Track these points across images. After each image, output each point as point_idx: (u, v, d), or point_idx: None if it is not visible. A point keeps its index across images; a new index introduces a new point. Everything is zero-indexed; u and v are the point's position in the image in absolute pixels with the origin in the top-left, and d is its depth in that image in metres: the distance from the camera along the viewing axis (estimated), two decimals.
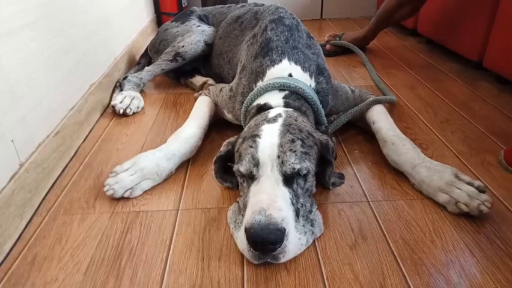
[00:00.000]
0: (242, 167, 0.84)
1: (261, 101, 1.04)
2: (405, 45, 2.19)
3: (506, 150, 1.06)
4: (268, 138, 0.85)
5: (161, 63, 1.61)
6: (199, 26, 1.66)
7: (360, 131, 1.27)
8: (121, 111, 1.42)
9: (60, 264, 0.80)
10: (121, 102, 1.45)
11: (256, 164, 0.83)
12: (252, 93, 1.07)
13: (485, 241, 0.82)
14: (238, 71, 1.24)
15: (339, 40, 2.09)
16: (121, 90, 1.55)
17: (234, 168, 0.89)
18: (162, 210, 0.95)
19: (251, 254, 0.76)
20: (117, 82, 1.61)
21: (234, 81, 1.24)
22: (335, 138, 1.19)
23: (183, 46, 1.57)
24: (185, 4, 2.65)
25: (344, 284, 0.73)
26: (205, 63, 1.67)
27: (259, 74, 1.11)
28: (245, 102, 1.08)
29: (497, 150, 1.14)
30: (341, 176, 1.03)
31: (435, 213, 0.90)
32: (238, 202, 0.89)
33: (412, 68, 1.83)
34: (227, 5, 1.76)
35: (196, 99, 1.38)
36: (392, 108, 1.40)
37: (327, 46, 2.05)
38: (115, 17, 1.76)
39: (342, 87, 1.25)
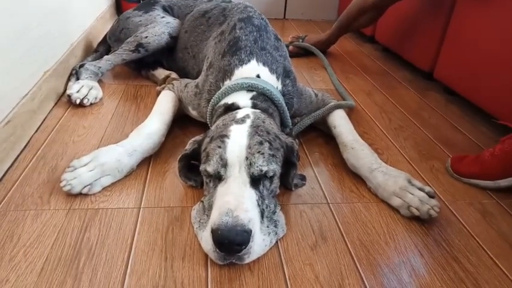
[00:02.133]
0: (210, 167, 0.84)
1: (228, 100, 1.04)
2: (363, 51, 2.29)
3: (453, 159, 1.15)
4: (237, 139, 0.86)
5: (122, 53, 1.55)
6: (163, 17, 1.61)
7: (320, 133, 1.31)
8: (78, 101, 1.36)
9: (12, 264, 0.76)
10: (77, 91, 1.38)
11: (224, 164, 0.83)
12: (219, 91, 1.06)
13: (433, 243, 0.88)
14: (204, 67, 1.23)
15: (302, 42, 2.13)
16: (78, 78, 1.48)
17: (200, 168, 0.88)
18: (123, 208, 0.93)
19: (216, 254, 0.76)
20: (73, 70, 1.53)
21: (200, 77, 1.23)
22: (297, 140, 1.23)
23: (146, 37, 1.53)
24: None
25: (305, 283, 0.76)
26: (168, 56, 1.63)
27: (227, 72, 1.11)
28: (212, 100, 1.08)
29: (444, 157, 1.23)
30: (303, 178, 1.06)
31: (389, 216, 0.96)
32: (202, 202, 0.89)
33: (369, 73, 1.92)
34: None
35: (158, 93, 1.35)
36: (351, 112, 1.46)
37: (290, 47, 2.09)
38: (72, 0, 1.67)
39: (306, 90, 1.28)
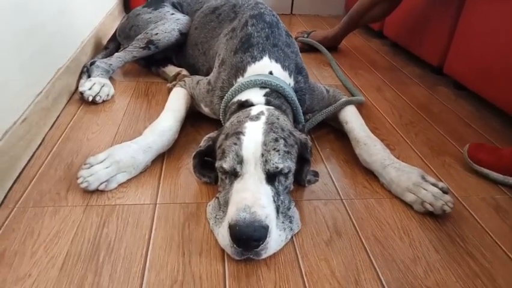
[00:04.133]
0: (226, 163, 0.85)
1: (242, 97, 1.05)
2: (372, 47, 2.28)
3: (471, 145, 1.14)
4: (252, 136, 0.86)
5: (133, 50, 1.56)
6: (173, 14, 1.62)
7: (331, 129, 1.31)
8: (90, 99, 1.37)
9: (34, 259, 0.77)
10: (89, 89, 1.39)
11: (240, 161, 0.84)
12: (232, 88, 1.07)
13: (447, 239, 0.89)
14: (216, 64, 1.24)
15: (307, 37, 2.13)
16: (89, 76, 1.49)
17: (216, 165, 0.89)
18: (139, 204, 0.94)
19: (234, 250, 0.77)
20: (84, 67, 1.54)
21: (212, 74, 1.23)
22: (309, 136, 1.23)
23: (157, 34, 1.53)
24: None
25: (321, 279, 0.77)
26: (178, 53, 1.63)
27: (240, 69, 1.11)
28: (225, 97, 1.08)
29: (456, 152, 1.23)
30: (316, 174, 1.07)
31: (403, 212, 0.96)
32: (217, 198, 0.90)
33: (378, 69, 1.91)
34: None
35: (169, 90, 1.36)
36: (361, 108, 1.46)
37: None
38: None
39: (318, 87, 1.28)
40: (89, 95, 1.37)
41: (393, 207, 0.98)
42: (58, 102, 1.31)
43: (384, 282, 0.77)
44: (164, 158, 1.12)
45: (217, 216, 0.86)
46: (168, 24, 1.55)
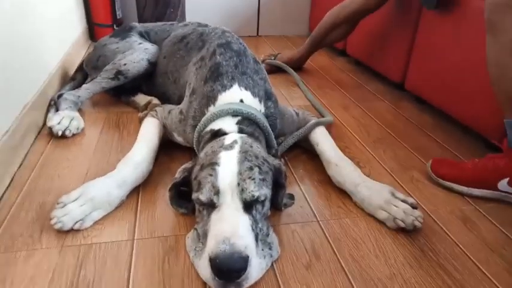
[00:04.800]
0: (203, 195, 0.85)
1: (214, 126, 1.06)
2: (336, 65, 2.36)
3: (434, 161, 1.21)
4: (227, 166, 0.88)
5: (101, 81, 1.55)
6: (141, 43, 1.62)
7: (303, 150, 1.35)
8: (60, 133, 1.35)
9: None
10: (58, 123, 1.37)
11: (217, 192, 0.85)
12: (205, 118, 1.09)
13: (420, 253, 0.93)
14: (187, 93, 1.25)
15: (274, 59, 2.19)
16: (57, 109, 1.46)
17: (193, 197, 0.90)
18: (116, 241, 0.93)
19: (216, 282, 0.78)
20: (51, 100, 1.52)
21: (184, 104, 1.25)
22: (283, 160, 1.26)
23: (125, 64, 1.53)
24: (120, 16, 2.57)
25: None
26: (148, 82, 1.64)
27: (211, 98, 1.13)
28: (198, 127, 1.10)
29: (422, 166, 1.29)
30: (291, 197, 1.09)
31: (377, 230, 1.00)
32: (196, 229, 0.90)
33: (344, 87, 1.99)
34: (169, 23, 1.75)
35: (141, 119, 1.36)
36: (330, 127, 1.51)
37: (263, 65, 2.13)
38: (47, 29, 1.66)
39: (288, 110, 1.32)
40: (59, 129, 1.35)
41: (368, 225, 1.02)
42: (26, 139, 1.28)
43: None
44: (139, 190, 1.11)
45: (197, 248, 0.86)
46: (136, 54, 1.56)
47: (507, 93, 1.01)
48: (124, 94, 1.66)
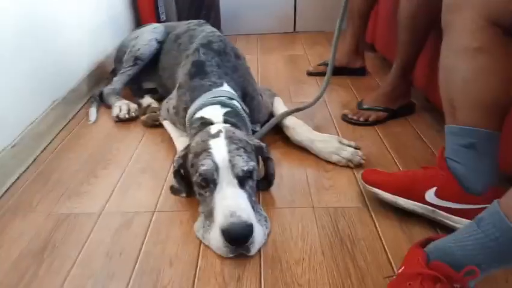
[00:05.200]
0: (204, 170, 1.01)
1: (204, 114, 1.23)
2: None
3: (366, 170, 1.17)
4: (218, 149, 1.05)
5: (125, 71, 1.79)
6: (147, 25, 1.84)
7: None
8: (127, 116, 1.66)
9: None
10: (120, 111, 1.67)
11: (216, 168, 1.02)
12: (194, 105, 1.27)
13: (338, 243, 1.00)
14: (176, 89, 1.44)
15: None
16: (99, 104, 1.79)
17: (194, 179, 1.06)
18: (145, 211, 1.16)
19: (228, 249, 0.95)
20: (91, 97, 1.83)
21: (173, 99, 1.43)
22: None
23: (139, 49, 1.75)
24: (164, 18, 2.85)
25: (210, 273, 0.92)
26: (155, 73, 1.81)
27: (200, 92, 1.29)
28: (188, 113, 1.28)
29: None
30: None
31: (309, 221, 1.08)
32: (202, 213, 1.07)
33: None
34: (185, 22, 1.86)
35: (142, 122, 1.62)
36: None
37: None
38: (100, 30, 1.99)
39: (260, 101, 1.47)
40: (124, 114, 1.66)
41: (301, 215, 1.10)
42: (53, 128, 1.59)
43: (262, 280, 0.91)
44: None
45: (205, 226, 1.03)
46: (145, 35, 1.77)
47: (449, 98, 0.98)
48: (137, 95, 1.86)
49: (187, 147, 1.14)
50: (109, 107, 1.76)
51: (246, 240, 0.93)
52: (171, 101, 1.47)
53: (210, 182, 1.02)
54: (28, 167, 1.39)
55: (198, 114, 1.24)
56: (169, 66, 1.65)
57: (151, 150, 1.48)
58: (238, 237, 0.93)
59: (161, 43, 1.77)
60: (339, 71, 2.04)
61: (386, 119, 1.60)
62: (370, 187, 1.10)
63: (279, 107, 1.57)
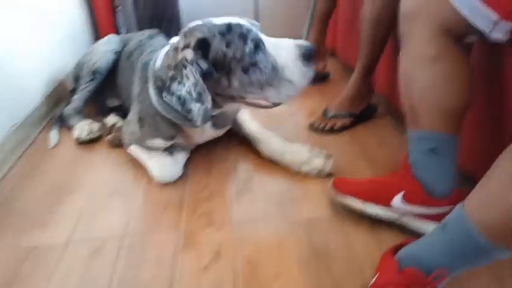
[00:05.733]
0: (253, 33, 1.09)
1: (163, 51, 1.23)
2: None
3: (336, 179, 1.18)
4: (233, 19, 1.11)
5: (85, 87, 1.71)
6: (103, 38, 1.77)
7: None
8: (88, 138, 1.59)
9: None
10: (80, 133, 1.60)
11: (253, 29, 1.11)
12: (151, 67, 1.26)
13: (313, 255, 1.01)
14: (132, 109, 1.40)
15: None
16: (60, 126, 1.71)
17: (245, 50, 1.06)
18: None
19: (308, 70, 1.10)
20: (51, 119, 1.75)
21: (134, 113, 1.38)
22: None
23: (95, 62, 1.68)
24: (124, 31, 2.79)
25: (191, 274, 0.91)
26: (113, 84, 1.73)
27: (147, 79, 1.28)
28: (152, 74, 1.24)
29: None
30: None
31: (283, 235, 1.09)
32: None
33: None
34: (139, 33, 1.79)
35: (108, 142, 1.57)
36: None
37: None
38: (58, 47, 1.91)
39: None
40: (85, 136, 1.59)
41: (277, 229, 1.11)
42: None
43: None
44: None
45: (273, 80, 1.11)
46: (101, 48, 1.70)
47: (410, 104, 1.02)
48: (101, 114, 1.78)
49: (188, 42, 1.07)
50: (70, 128, 1.70)
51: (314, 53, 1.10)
52: (130, 122, 1.41)
53: (259, 43, 1.07)
54: None
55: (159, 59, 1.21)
56: (125, 85, 1.59)
57: (118, 171, 1.43)
58: (314, 49, 1.10)
59: (117, 53, 1.70)
60: None
61: (352, 125, 1.64)
62: (340, 196, 1.12)
63: (245, 119, 1.52)
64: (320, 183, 1.29)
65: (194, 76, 1.04)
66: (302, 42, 1.09)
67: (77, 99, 1.74)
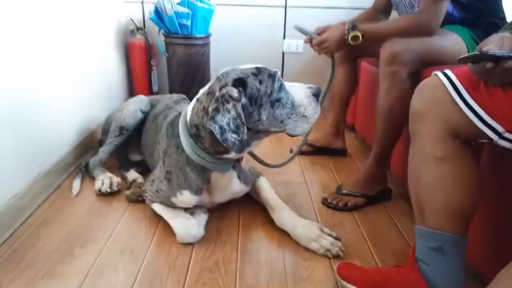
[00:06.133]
0: (278, 74, 1.25)
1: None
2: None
3: (340, 264, 1.20)
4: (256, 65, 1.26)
5: (112, 141, 1.82)
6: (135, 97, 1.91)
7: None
8: (108, 191, 1.67)
9: None
10: (102, 184, 1.69)
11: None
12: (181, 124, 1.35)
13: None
14: (160, 162, 1.46)
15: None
16: (83, 176, 1.81)
17: (276, 86, 1.23)
18: None
19: (317, 106, 1.29)
20: (77, 168, 1.84)
21: (161, 171, 1.45)
22: None
23: (124, 119, 1.79)
24: (156, 90, 2.99)
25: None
26: (138, 141, 1.85)
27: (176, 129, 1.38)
28: (183, 126, 1.33)
29: None
30: None
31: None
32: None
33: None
34: (168, 96, 1.94)
35: (126, 196, 1.63)
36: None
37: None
38: (96, 96, 2.08)
39: None
40: (106, 188, 1.67)
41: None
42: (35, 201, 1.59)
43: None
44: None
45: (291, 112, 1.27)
46: (130, 106, 1.83)
47: (417, 199, 1.05)
48: (123, 168, 1.89)
49: (225, 84, 1.18)
50: (93, 178, 1.78)
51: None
52: (156, 180, 1.48)
53: (282, 83, 1.25)
54: (3, 243, 1.37)
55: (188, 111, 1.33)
56: (148, 145, 1.70)
57: (132, 228, 1.48)
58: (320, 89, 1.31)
59: (145, 113, 1.83)
60: (320, 150, 2.14)
61: (364, 205, 1.65)
62: (344, 282, 1.11)
63: (264, 186, 1.59)
64: (327, 263, 1.29)
65: (236, 110, 1.13)
66: (310, 85, 1.29)
67: (103, 152, 1.84)
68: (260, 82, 1.20)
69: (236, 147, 1.14)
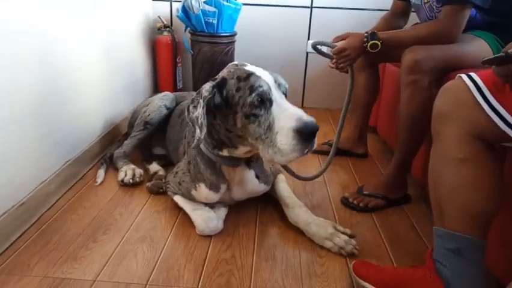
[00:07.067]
0: (262, 91, 1.13)
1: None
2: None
3: (356, 262, 1.19)
4: (260, 71, 1.19)
5: (136, 134, 1.88)
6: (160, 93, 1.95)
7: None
8: (131, 181, 1.73)
9: None
10: (125, 175, 1.74)
11: (269, 87, 1.14)
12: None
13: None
14: (183, 162, 1.51)
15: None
16: (107, 166, 1.87)
17: (247, 101, 1.13)
18: None
19: (301, 146, 1.09)
20: (101, 159, 1.91)
21: (184, 165, 1.50)
22: None
23: (149, 115, 1.85)
24: (180, 86, 3.04)
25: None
26: (162, 135, 1.89)
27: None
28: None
29: None
30: None
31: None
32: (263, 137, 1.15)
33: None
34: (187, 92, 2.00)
35: (147, 188, 1.67)
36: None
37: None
38: (119, 94, 2.14)
39: None
40: (129, 179, 1.73)
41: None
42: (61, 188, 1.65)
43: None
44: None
45: (266, 140, 1.14)
46: (156, 102, 1.89)
47: (437, 201, 1.03)
48: (145, 160, 1.94)
49: (217, 79, 1.22)
50: (117, 169, 1.83)
51: (316, 134, 1.09)
52: (180, 171, 1.52)
53: (266, 101, 1.13)
54: (31, 226, 1.43)
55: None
56: (173, 140, 1.74)
57: (153, 218, 1.52)
58: (314, 131, 1.07)
59: (170, 110, 1.88)
60: (341, 152, 2.13)
61: (384, 207, 1.64)
62: (359, 280, 1.11)
63: (281, 183, 1.60)
64: (343, 261, 1.29)
65: (202, 108, 1.17)
66: (308, 118, 1.08)
67: (128, 144, 1.89)
68: (238, 89, 1.15)
69: (196, 141, 1.20)
